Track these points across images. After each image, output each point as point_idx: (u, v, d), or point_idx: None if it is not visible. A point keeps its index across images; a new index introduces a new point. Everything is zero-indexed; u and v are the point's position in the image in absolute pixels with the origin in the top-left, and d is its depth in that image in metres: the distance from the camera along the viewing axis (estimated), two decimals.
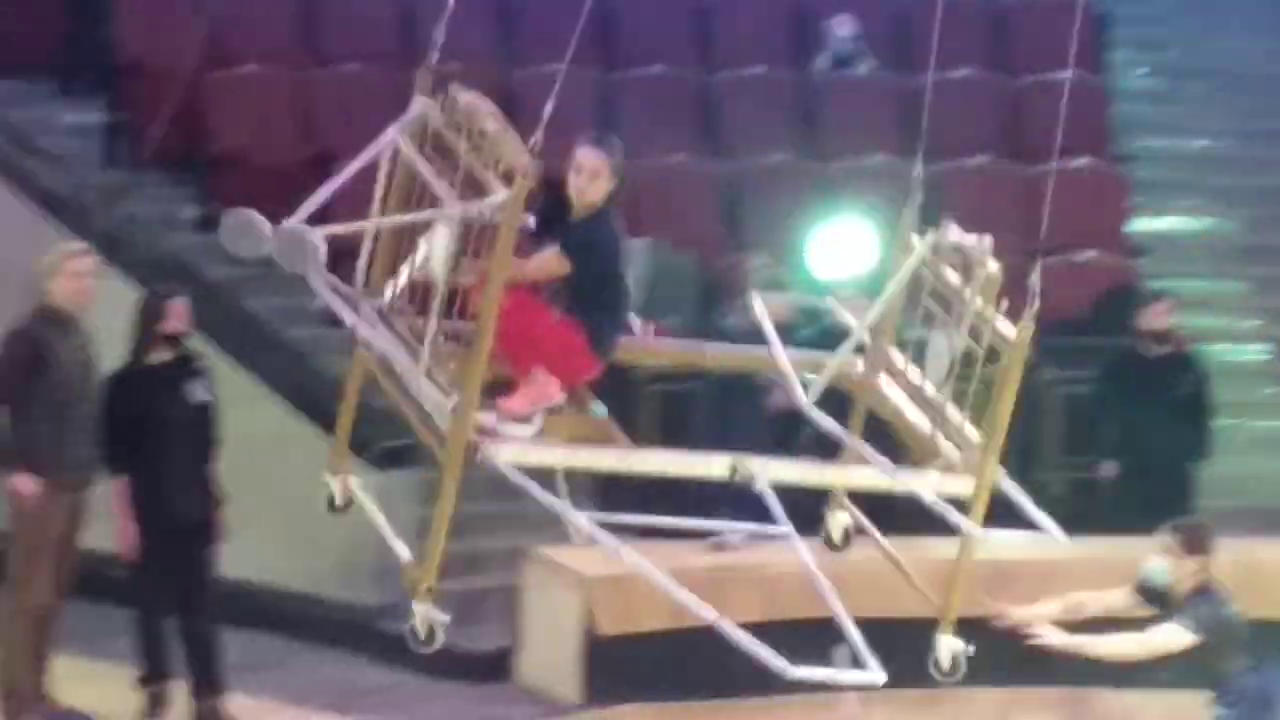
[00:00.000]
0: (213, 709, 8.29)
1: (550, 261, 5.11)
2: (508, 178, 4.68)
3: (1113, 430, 11.27)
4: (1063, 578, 8.44)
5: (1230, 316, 14.47)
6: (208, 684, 8.32)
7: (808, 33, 15.49)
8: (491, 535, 10.05)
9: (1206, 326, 13.31)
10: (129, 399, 8.37)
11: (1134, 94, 16.01)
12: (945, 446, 5.21)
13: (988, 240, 5.28)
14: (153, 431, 8.36)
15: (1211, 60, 16.90)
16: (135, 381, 8.42)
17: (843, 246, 10.46)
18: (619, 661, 9.40)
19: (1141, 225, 14.29)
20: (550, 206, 5.25)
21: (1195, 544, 7.15)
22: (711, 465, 5.10)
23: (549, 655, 9.71)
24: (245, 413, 9.55)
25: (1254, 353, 13.95)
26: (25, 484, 7.90)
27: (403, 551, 5.12)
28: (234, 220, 4.89)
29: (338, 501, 5.61)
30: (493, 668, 9.84)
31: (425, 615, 4.79)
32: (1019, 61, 14.97)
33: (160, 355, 8.49)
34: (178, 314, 8.59)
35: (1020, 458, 8.79)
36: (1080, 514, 10.15)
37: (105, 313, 8.58)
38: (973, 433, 5.28)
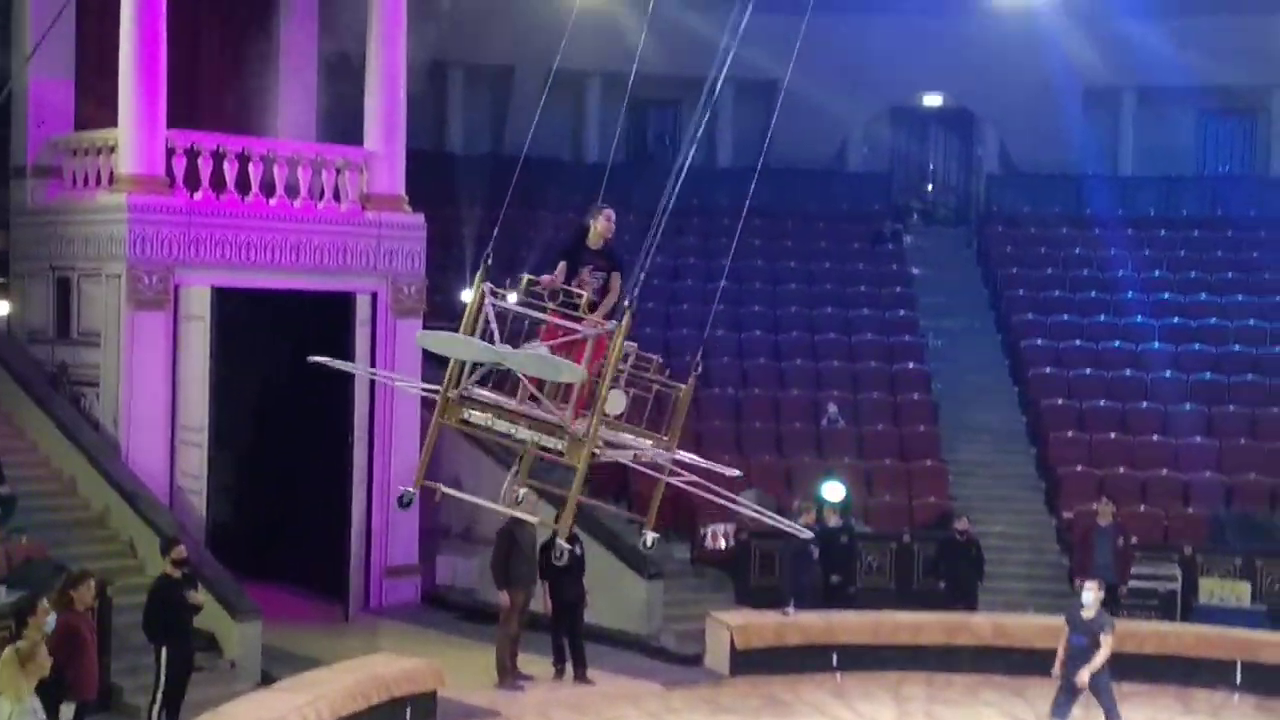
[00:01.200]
0: (584, 676, 17.59)
1: (615, 280, 10.24)
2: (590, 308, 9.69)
3: None
4: None
5: None
6: (583, 666, 17.74)
7: None
8: None
9: None
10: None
11: None
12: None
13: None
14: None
15: None
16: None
17: None
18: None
19: None
20: (574, 241, 10.41)
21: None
22: None
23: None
24: None
25: None
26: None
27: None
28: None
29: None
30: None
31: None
32: None
33: None
34: None
35: None
36: None
37: None
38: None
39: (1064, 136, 29.98)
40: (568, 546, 10.86)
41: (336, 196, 20.59)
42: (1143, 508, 22.00)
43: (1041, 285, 27.82)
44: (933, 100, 31.21)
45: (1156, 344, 25.87)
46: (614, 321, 9.38)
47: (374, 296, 20.68)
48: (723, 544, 20.86)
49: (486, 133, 30.24)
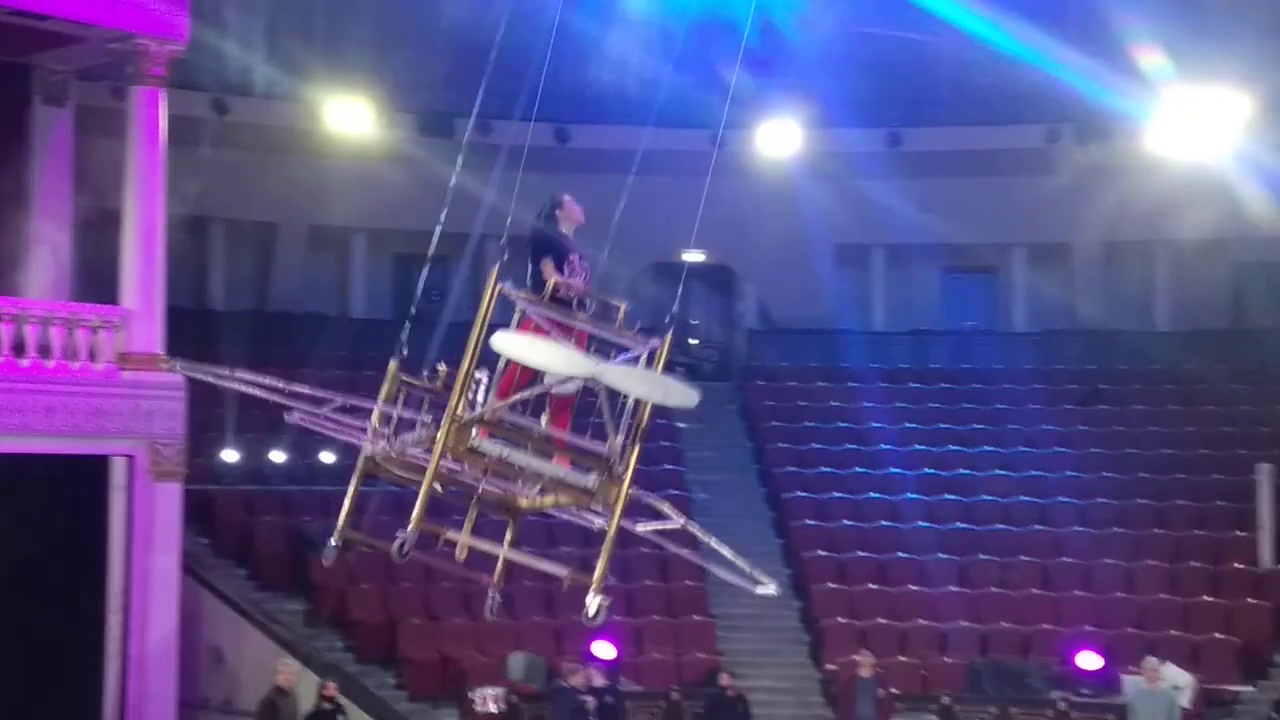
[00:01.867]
0: None
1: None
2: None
3: None
4: None
5: None
6: None
7: None
8: None
9: None
10: None
11: None
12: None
13: None
14: None
15: None
16: None
17: None
18: None
19: None
20: (554, 234, 9.04)
21: None
22: None
23: None
24: None
25: None
26: None
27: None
28: None
29: None
30: None
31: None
32: None
33: None
34: None
35: None
36: None
37: None
38: None
39: (819, 292, 30.70)
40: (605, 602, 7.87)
41: (92, 356, 19.77)
42: (902, 657, 22.30)
43: (801, 438, 28.20)
44: (694, 257, 31.62)
45: (910, 495, 26.29)
46: (657, 338, 7.93)
47: (131, 460, 19.83)
48: (493, 708, 20.39)
49: (250, 288, 29.66)
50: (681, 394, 7.50)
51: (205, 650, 20.88)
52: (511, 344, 7.46)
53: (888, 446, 27.41)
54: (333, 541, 8.06)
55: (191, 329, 23.74)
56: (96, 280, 21.72)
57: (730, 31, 23.60)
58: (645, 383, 7.54)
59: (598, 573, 7.92)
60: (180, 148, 21.72)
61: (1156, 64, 26.73)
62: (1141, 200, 28.63)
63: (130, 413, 19.84)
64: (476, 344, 7.56)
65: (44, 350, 19.44)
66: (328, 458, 24.09)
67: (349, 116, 27.96)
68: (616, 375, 7.36)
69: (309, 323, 28.86)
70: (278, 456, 24.31)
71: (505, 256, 7.93)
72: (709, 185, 30.68)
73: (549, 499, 8.09)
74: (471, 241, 25.32)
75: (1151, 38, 26.67)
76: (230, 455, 24.29)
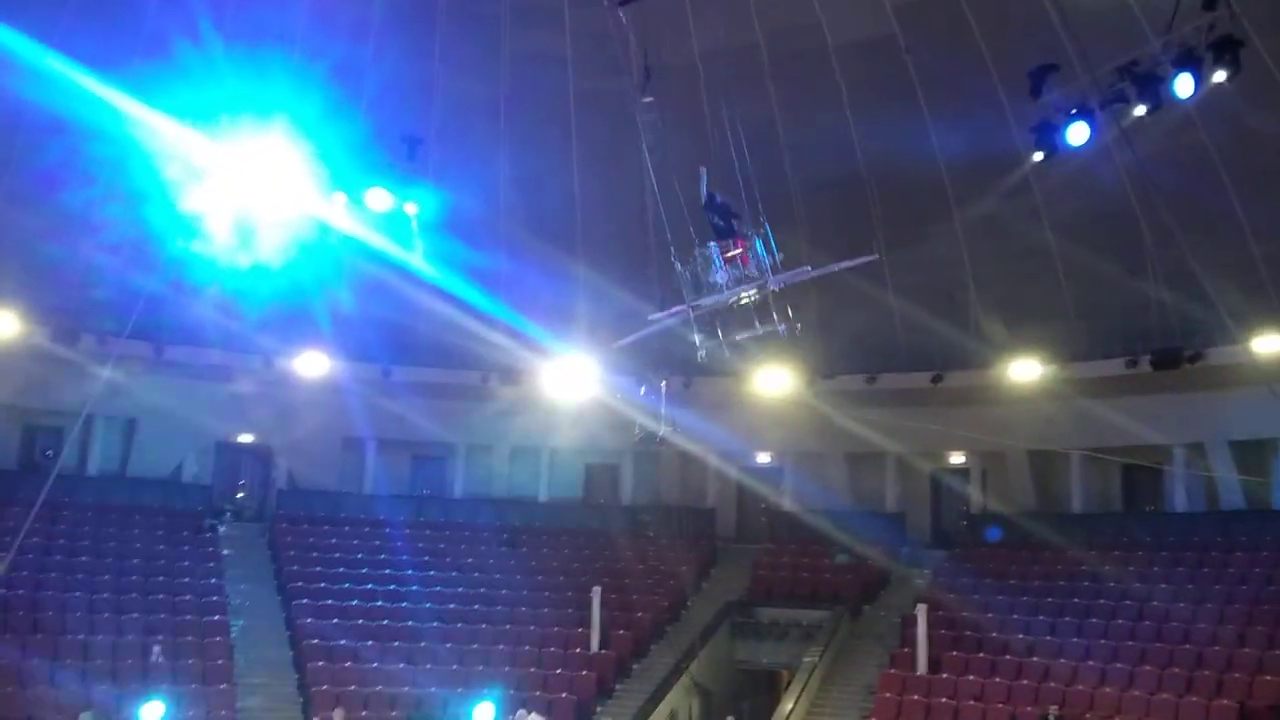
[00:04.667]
0: None
1: None
2: None
3: None
4: None
5: None
6: None
7: None
8: None
9: None
10: None
11: None
12: None
13: None
14: None
15: None
16: None
17: None
18: None
19: None
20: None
21: None
22: None
23: None
24: None
25: None
26: None
27: None
28: None
29: None
30: None
31: None
32: None
33: None
34: None
35: None
36: None
37: None
38: None
39: (330, 466, 30.49)
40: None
41: None
42: (364, 714, 21.87)
43: (310, 564, 27.45)
44: (246, 437, 30.79)
45: (379, 603, 25.75)
46: None
47: None
48: None
49: None
50: None
51: None
52: None
53: (366, 570, 27.20)
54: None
55: None
56: None
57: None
58: None
59: None
60: None
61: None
62: (535, 421, 30.38)
63: None
64: None
65: None
66: None
67: None
68: None
69: None
70: None
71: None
72: (259, 392, 30.34)
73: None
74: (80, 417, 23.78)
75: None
76: None
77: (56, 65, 18.40)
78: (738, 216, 14.80)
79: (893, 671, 22.79)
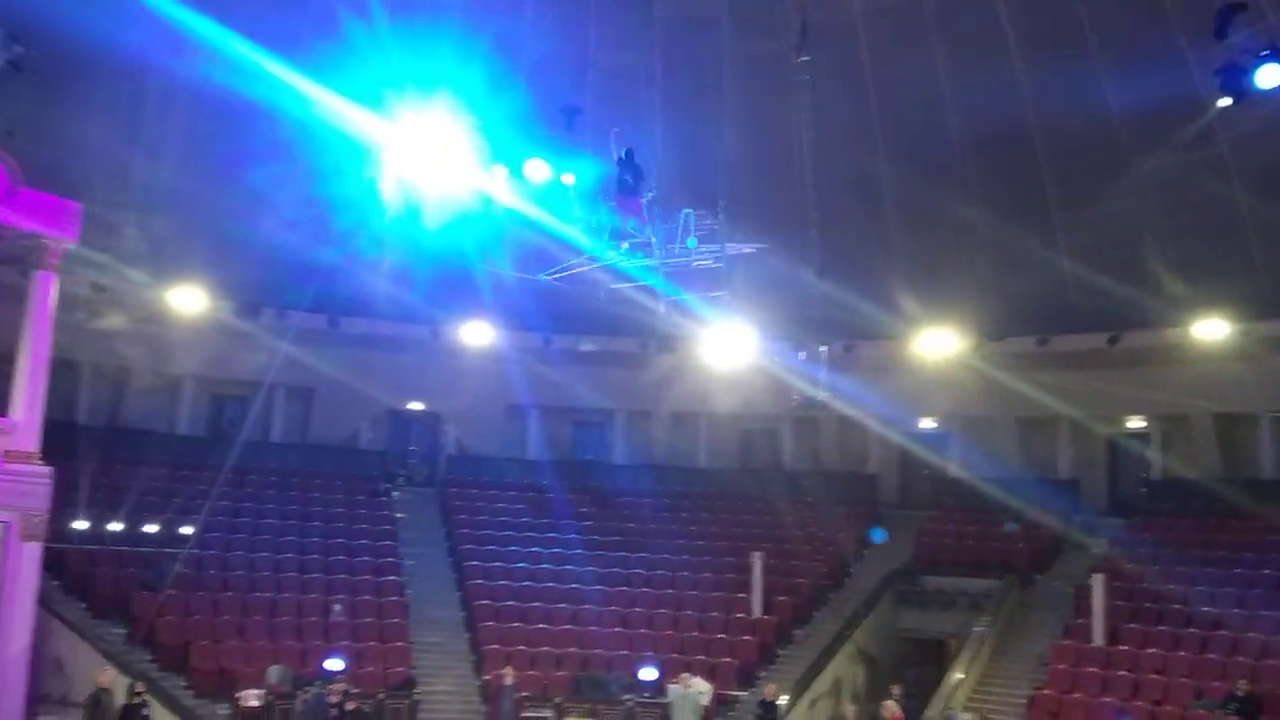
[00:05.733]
0: None
1: None
2: None
3: None
4: None
5: None
6: None
7: None
8: None
9: None
10: None
11: None
12: None
13: None
14: None
15: None
16: None
17: None
18: None
19: None
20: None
21: None
22: None
23: None
24: None
25: None
26: None
27: None
28: None
29: None
30: None
31: None
32: None
33: None
34: None
35: None
36: None
37: None
38: None
39: (494, 433, 30.93)
40: None
41: None
42: (532, 672, 22.17)
43: (479, 526, 27.96)
44: (415, 405, 31.57)
45: (544, 565, 25.85)
46: None
47: (7, 525, 18.45)
48: (254, 703, 19.47)
49: (108, 411, 27.88)
50: None
51: (49, 660, 19.35)
52: None
53: (531, 534, 27.40)
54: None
55: (58, 435, 22.32)
56: None
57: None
58: None
59: None
60: (65, 313, 20.68)
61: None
62: (694, 387, 30.06)
63: (10, 493, 18.54)
64: None
65: None
66: (150, 528, 22.96)
67: (188, 299, 27.15)
68: None
69: (146, 436, 27.46)
70: (114, 526, 22.89)
71: None
72: (427, 361, 31.10)
73: None
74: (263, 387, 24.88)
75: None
76: (80, 524, 22.73)
77: (239, 48, 19.07)
78: (644, 179, 15.23)
79: (1067, 643, 21.78)
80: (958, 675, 21.63)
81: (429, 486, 30.59)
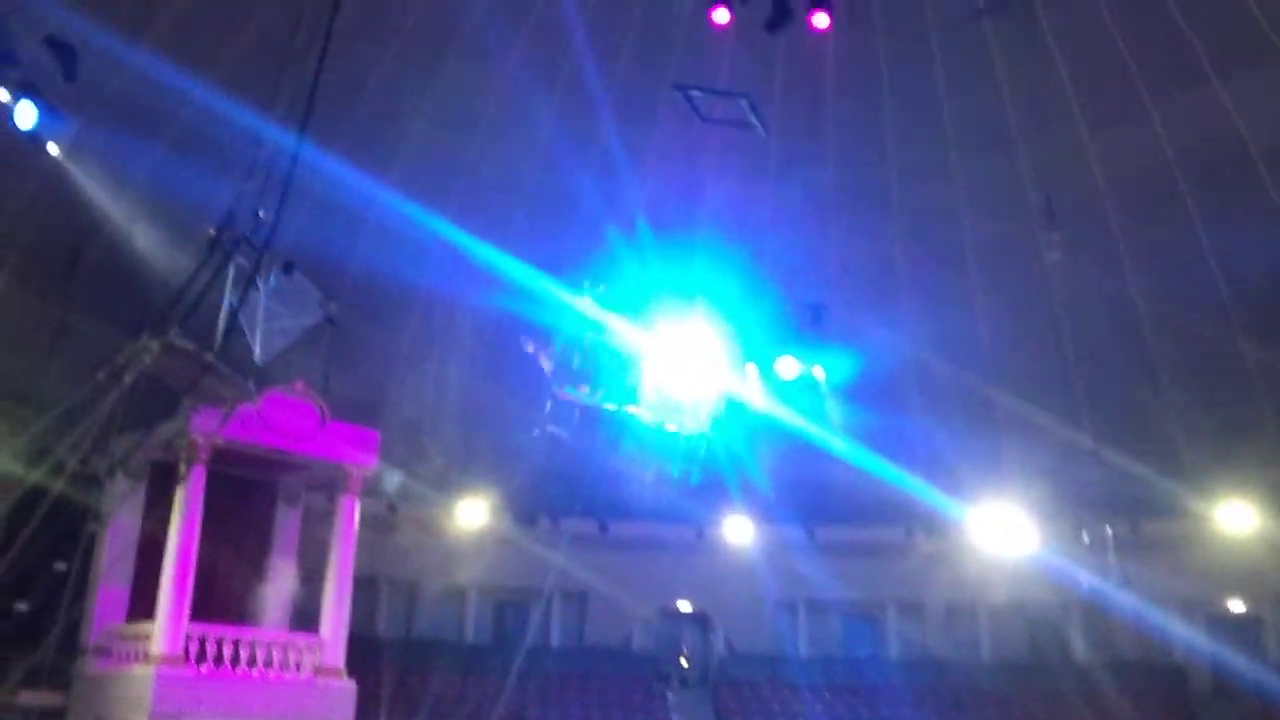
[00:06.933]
0: None
1: None
2: None
3: None
4: None
5: None
6: None
7: None
8: None
9: None
10: None
11: None
12: None
13: None
14: None
15: None
16: None
17: None
18: None
19: None
20: None
21: None
22: None
23: None
24: None
25: None
26: None
27: None
28: None
29: None
30: None
31: None
32: None
33: None
34: None
35: None
36: None
37: None
38: None
39: (764, 630, 30.01)
40: None
41: (298, 669, 19.44)
42: None
43: None
44: (684, 605, 31.21)
45: None
46: None
47: None
48: None
49: (402, 623, 29.18)
50: None
51: None
52: None
53: None
54: None
55: (360, 649, 23.33)
56: (302, 616, 21.51)
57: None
58: None
59: None
60: (364, 532, 21.95)
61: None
62: (966, 574, 28.43)
63: (319, 708, 19.33)
64: None
65: (267, 663, 19.18)
66: None
67: (471, 512, 28.37)
68: None
69: (437, 645, 28.32)
70: None
71: None
72: (693, 561, 30.88)
73: None
74: (541, 593, 25.27)
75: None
76: None
77: (515, 270, 20.26)
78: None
79: None
80: None
81: (701, 687, 29.84)
